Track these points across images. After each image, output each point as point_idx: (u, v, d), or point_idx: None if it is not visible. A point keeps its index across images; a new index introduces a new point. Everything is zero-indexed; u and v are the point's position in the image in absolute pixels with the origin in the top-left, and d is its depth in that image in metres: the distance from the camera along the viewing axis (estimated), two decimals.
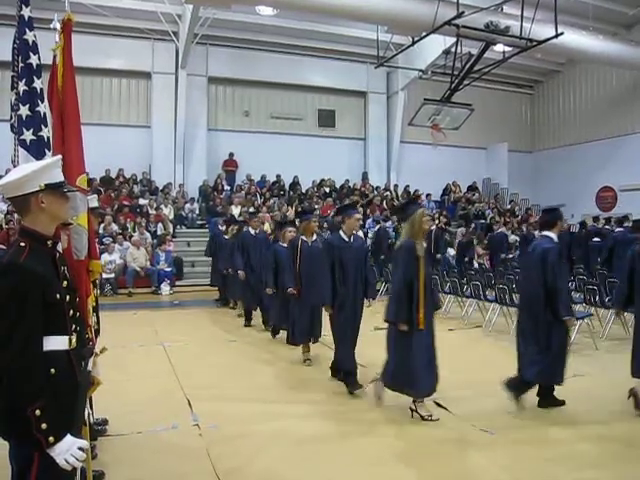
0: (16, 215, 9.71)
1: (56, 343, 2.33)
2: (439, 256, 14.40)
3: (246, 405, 5.39)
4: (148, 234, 15.43)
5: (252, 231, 9.81)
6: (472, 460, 4.17)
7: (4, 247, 9.48)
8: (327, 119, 21.05)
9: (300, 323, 6.95)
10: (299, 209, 15.21)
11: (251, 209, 15.45)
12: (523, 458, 4.18)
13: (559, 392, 5.35)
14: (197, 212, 17.87)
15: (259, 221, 10.61)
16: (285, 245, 7.78)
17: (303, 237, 7.07)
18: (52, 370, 2.27)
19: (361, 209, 18.44)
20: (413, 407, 5.03)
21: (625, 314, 8.15)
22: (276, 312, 8.17)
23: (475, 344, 8.27)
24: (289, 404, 5.45)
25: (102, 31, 16.92)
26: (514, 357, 7.05)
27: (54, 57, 3.33)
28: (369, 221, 17.69)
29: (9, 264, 2.27)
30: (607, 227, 15.00)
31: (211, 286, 13.08)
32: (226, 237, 11.82)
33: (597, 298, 8.65)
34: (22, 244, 2.31)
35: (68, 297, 2.42)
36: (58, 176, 2.44)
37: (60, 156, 2.68)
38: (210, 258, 12.95)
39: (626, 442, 4.45)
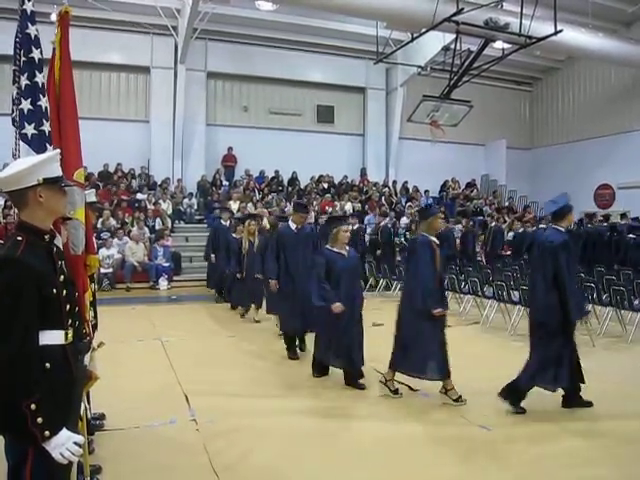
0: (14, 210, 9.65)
1: (52, 338, 2.33)
2: None
3: (244, 400, 5.40)
4: (146, 229, 15.43)
5: (293, 225, 7.33)
6: (468, 456, 4.18)
7: (1, 241, 9.47)
8: (326, 115, 21.00)
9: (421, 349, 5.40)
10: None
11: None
12: (520, 454, 4.19)
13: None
14: (195, 207, 17.84)
15: (308, 216, 8.12)
16: (338, 250, 5.95)
17: (431, 236, 5.55)
18: (47, 364, 2.28)
19: (359, 205, 18.56)
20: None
21: (622, 312, 8.26)
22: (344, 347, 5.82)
23: (472, 341, 8.28)
24: (287, 399, 5.47)
25: (101, 25, 16.86)
26: (511, 353, 7.10)
27: (53, 50, 3.32)
28: (368, 217, 17.68)
29: (5, 258, 2.27)
30: (605, 224, 15.09)
31: (208, 288, 12.88)
32: (235, 236, 10.51)
33: (595, 295, 8.66)
34: (19, 238, 2.31)
35: (65, 292, 2.43)
36: (56, 170, 2.44)
37: (58, 150, 2.68)
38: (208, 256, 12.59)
39: (624, 439, 4.46)
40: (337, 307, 5.63)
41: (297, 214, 7.55)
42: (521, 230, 15.00)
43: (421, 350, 5.29)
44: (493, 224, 15.34)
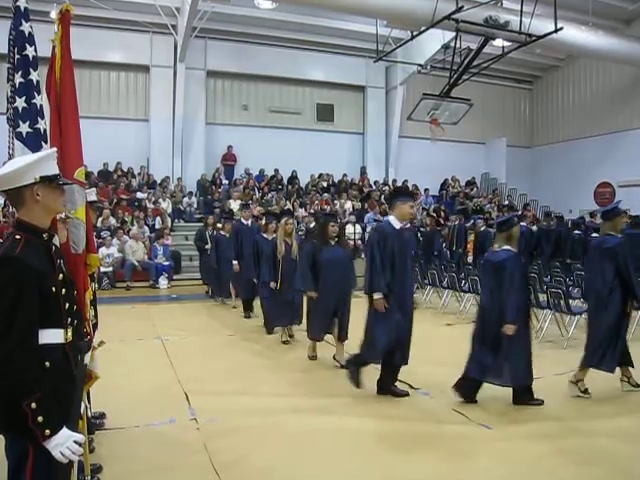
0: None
1: (51, 336, 2.33)
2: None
3: (244, 399, 5.39)
4: (146, 228, 15.44)
5: (397, 224, 5.46)
6: (469, 454, 4.17)
7: (0, 240, 9.43)
8: (326, 113, 21.00)
9: None
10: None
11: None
12: (520, 453, 4.18)
13: (554, 386, 5.39)
14: (195, 206, 17.84)
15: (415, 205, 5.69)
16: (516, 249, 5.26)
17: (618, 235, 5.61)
18: (47, 363, 2.27)
19: (359, 204, 18.56)
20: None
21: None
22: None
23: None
24: (287, 398, 5.46)
25: (101, 24, 16.85)
26: None
27: (53, 48, 3.30)
28: (368, 216, 17.68)
29: (4, 257, 2.26)
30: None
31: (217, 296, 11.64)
32: (265, 236, 8.72)
33: None
34: (17, 237, 2.30)
35: (64, 290, 2.42)
36: (53, 168, 2.43)
37: (55, 149, 2.66)
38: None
39: (625, 437, 4.45)
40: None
41: (404, 205, 5.49)
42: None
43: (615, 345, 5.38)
44: (457, 222, 15.28)
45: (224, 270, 10.84)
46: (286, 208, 12.65)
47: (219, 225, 12.40)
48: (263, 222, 9.48)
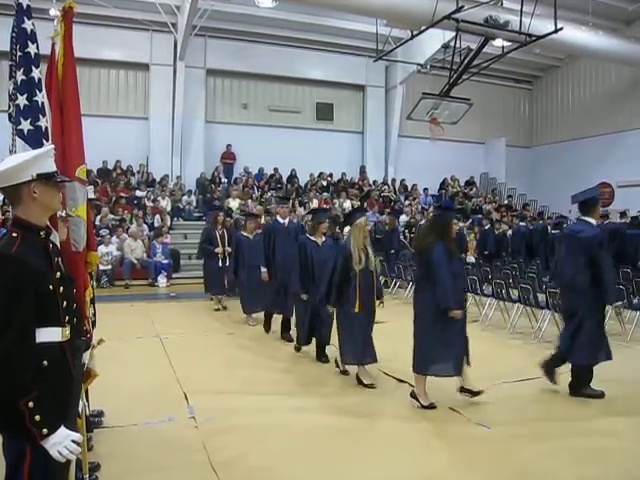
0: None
1: (48, 335, 2.31)
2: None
3: (243, 398, 5.39)
4: (145, 226, 15.42)
5: (595, 224, 5.64)
6: (468, 454, 4.17)
7: None
8: (325, 112, 21.00)
9: None
10: None
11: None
12: (519, 453, 4.18)
13: (553, 386, 5.39)
14: (194, 204, 17.84)
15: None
16: None
17: None
18: (45, 362, 2.26)
19: (358, 203, 18.53)
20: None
21: (622, 310, 8.27)
22: None
23: (471, 338, 8.21)
24: (286, 397, 5.45)
25: (100, 22, 16.83)
26: (510, 351, 7.10)
27: (52, 45, 3.29)
28: (367, 214, 17.61)
29: (0, 255, 2.24)
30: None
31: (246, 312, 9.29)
32: (313, 239, 6.99)
33: None
34: (14, 235, 2.29)
35: (62, 288, 2.40)
36: (50, 166, 2.41)
37: (52, 146, 2.64)
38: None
39: (625, 438, 4.45)
40: None
41: (598, 206, 5.97)
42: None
43: None
44: (423, 221, 15.29)
45: (247, 279, 9.10)
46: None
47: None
48: (310, 221, 7.83)
